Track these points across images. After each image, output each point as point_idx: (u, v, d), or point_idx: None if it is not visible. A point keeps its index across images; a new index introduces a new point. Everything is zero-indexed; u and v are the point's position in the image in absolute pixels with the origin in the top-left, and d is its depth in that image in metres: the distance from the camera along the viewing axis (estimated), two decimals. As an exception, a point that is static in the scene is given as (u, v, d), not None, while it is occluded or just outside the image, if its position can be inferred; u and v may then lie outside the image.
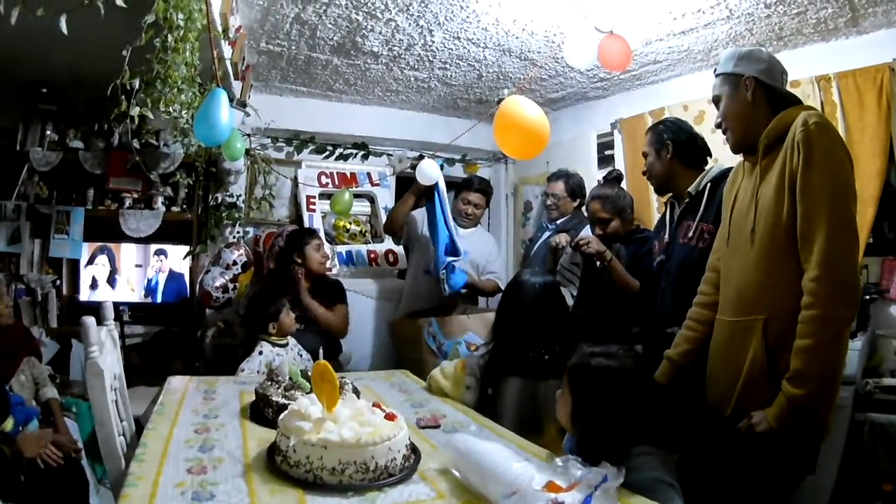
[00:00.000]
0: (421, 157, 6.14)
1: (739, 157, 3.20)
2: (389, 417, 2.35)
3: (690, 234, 3.62)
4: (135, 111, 3.56)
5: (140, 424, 3.39)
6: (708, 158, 3.84)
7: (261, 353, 4.31)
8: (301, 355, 4.54)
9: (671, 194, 3.93)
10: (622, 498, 1.95)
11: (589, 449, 2.14)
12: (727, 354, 2.98)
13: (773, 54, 3.01)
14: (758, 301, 2.82)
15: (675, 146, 3.77)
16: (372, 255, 6.92)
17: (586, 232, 5.01)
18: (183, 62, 3.62)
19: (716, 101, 3.12)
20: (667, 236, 3.84)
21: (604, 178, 5.32)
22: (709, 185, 3.62)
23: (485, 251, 6.11)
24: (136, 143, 5.44)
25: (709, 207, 3.57)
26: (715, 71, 3.13)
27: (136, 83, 3.49)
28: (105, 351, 2.91)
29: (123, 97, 3.46)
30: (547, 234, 5.53)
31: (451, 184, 6.31)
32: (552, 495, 1.73)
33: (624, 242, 4.70)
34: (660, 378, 3.32)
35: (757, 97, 2.92)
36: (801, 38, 4.68)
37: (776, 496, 2.84)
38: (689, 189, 3.71)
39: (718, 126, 3.13)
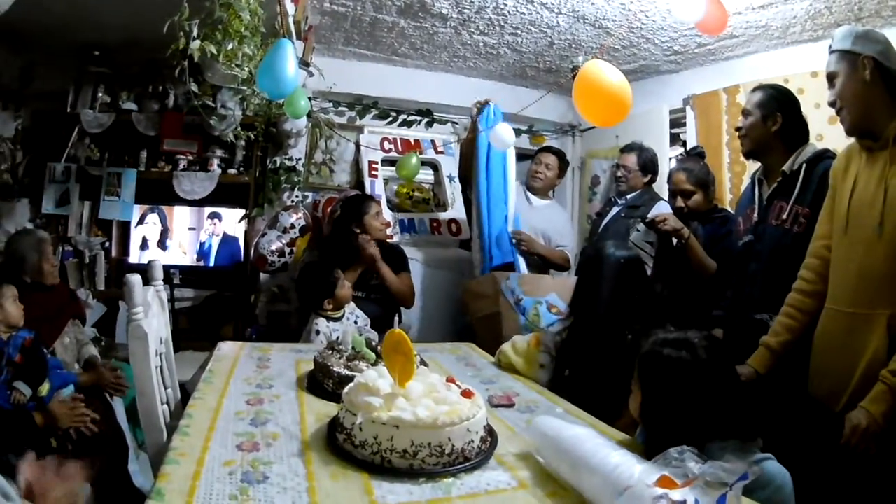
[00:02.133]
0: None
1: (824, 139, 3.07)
2: (466, 394, 2.17)
3: (784, 216, 3.45)
4: (195, 45, 3.42)
5: (186, 391, 3.28)
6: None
7: (318, 332, 4.19)
8: (356, 323, 4.42)
9: (759, 171, 3.76)
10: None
11: (660, 445, 1.91)
12: (842, 348, 2.83)
13: (887, 37, 2.86)
14: (883, 295, 2.67)
15: (785, 121, 3.56)
16: (434, 224, 6.76)
17: (659, 209, 4.93)
18: (247, 7, 3.47)
19: (830, 78, 2.96)
20: (755, 216, 3.66)
21: (687, 152, 5.27)
22: (804, 165, 3.43)
23: (558, 224, 6.02)
24: (194, 102, 5.28)
25: (805, 190, 3.40)
26: (830, 47, 2.97)
27: (195, 28, 3.34)
28: (151, 313, 2.76)
29: (182, 35, 3.31)
30: (616, 209, 5.44)
31: (526, 155, 6.21)
32: (665, 491, 1.50)
33: (702, 221, 4.61)
34: (757, 366, 3.17)
35: (874, 78, 2.78)
36: (879, 21, 4.54)
37: (883, 497, 2.66)
38: (783, 168, 3.52)
39: (832, 105, 2.97)
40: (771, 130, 3.55)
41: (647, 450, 2.02)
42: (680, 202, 4.64)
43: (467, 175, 6.11)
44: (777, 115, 3.54)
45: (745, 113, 3.69)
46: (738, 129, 3.75)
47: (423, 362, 2.88)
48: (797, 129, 3.56)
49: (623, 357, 2.77)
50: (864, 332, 2.69)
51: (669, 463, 1.67)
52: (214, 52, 3.65)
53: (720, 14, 3.72)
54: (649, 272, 4.55)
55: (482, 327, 5.31)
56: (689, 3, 3.68)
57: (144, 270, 3.15)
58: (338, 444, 2.06)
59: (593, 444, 1.89)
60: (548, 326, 4.14)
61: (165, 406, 2.82)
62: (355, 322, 4.41)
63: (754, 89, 3.74)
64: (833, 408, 2.77)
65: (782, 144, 3.55)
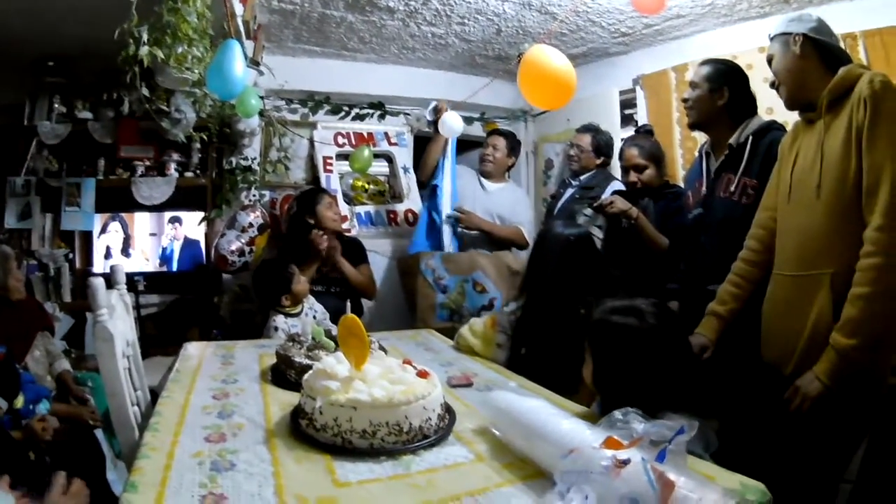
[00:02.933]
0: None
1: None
2: (422, 374, 2.25)
3: (732, 188, 3.54)
4: (143, 51, 3.47)
5: (156, 395, 3.27)
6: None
7: (276, 329, 4.24)
8: (314, 318, 4.45)
9: (707, 144, 3.84)
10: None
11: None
12: (788, 311, 2.93)
13: (821, 18, 2.99)
14: (824, 255, 2.77)
15: (732, 95, 3.63)
16: (391, 216, 6.82)
17: (613, 188, 5.04)
18: (194, 10, 3.52)
19: (769, 60, 3.10)
20: (704, 188, 3.74)
21: (636, 130, 5.39)
22: (751, 137, 3.51)
23: (512, 204, 5.98)
24: (147, 106, 5.31)
25: (752, 162, 3.49)
26: (769, 36, 3.11)
27: (145, 34, 3.40)
28: (116, 315, 2.79)
29: (132, 41, 3.36)
30: (570, 190, 5.49)
31: (479, 143, 6.27)
32: (613, 452, 1.58)
33: (654, 198, 4.69)
34: (707, 333, 3.24)
35: (806, 53, 2.91)
36: None
37: (835, 458, 2.80)
38: (730, 141, 3.59)
39: (772, 85, 3.10)
40: (717, 104, 3.62)
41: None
42: (633, 177, 4.72)
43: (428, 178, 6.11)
44: (724, 90, 3.60)
45: (693, 85, 3.75)
46: (684, 100, 3.81)
47: (381, 348, 2.97)
48: (744, 103, 3.62)
49: (576, 332, 2.86)
50: (808, 293, 2.78)
51: (614, 425, 1.74)
52: (163, 56, 3.69)
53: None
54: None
55: (409, 303, 5.49)
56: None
57: (108, 277, 3.20)
58: (301, 430, 2.12)
59: (545, 414, 1.96)
60: (474, 306, 4.18)
61: (136, 408, 2.85)
62: (314, 317, 4.44)
63: (702, 62, 3.79)
64: (783, 370, 2.85)
65: (728, 118, 3.62)
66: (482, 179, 5.98)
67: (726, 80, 3.63)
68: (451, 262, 5.28)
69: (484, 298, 4.06)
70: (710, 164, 3.74)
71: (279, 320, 4.27)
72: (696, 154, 4.00)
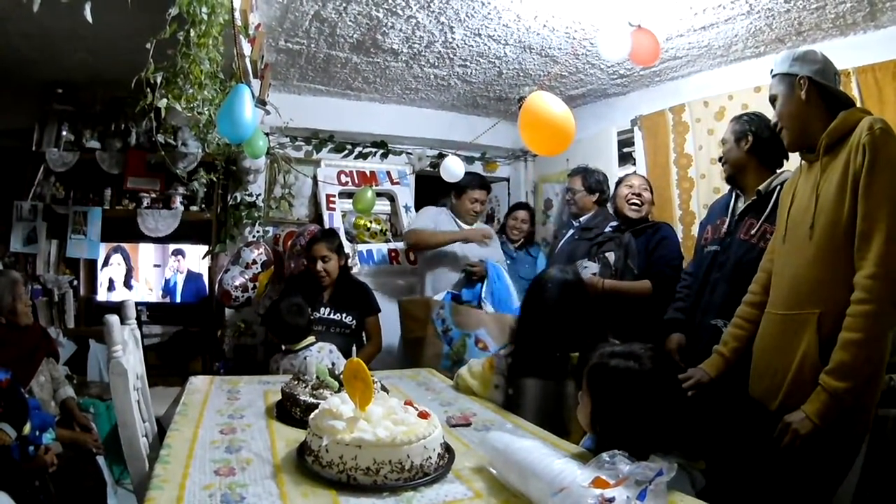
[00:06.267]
0: (441, 156, 6.15)
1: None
2: (423, 415, 2.32)
3: (753, 231, 3.66)
4: (162, 103, 3.53)
5: (160, 425, 3.35)
6: (784, 162, 3.83)
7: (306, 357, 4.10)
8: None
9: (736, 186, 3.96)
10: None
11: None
12: (776, 348, 2.97)
13: (826, 56, 3.00)
14: (813, 296, 2.82)
15: (756, 139, 3.76)
16: (392, 254, 6.88)
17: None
18: (207, 56, 3.58)
19: (772, 100, 3.14)
20: (725, 227, 3.86)
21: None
22: (778, 187, 3.59)
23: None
24: (160, 138, 5.35)
25: (775, 209, 3.53)
26: (771, 71, 3.14)
27: (160, 77, 3.45)
28: (128, 351, 2.85)
29: (149, 90, 3.42)
30: (570, 231, 5.56)
31: (451, 185, 6.20)
32: (600, 491, 1.68)
33: (634, 234, 4.82)
34: (709, 370, 3.31)
35: (811, 97, 2.93)
36: (819, 33, 4.69)
37: (820, 490, 2.83)
38: (758, 188, 3.71)
39: (775, 126, 3.16)
40: (744, 151, 3.77)
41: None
42: (635, 211, 4.89)
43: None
44: (748, 136, 3.75)
45: (723, 141, 3.94)
46: (719, 159, 3.98)
47: (383, 388, 2.99)
48: (771, 148, 3.72)
49: (564, 376, 2.96)
50: (796, 332, 2.83)
51: (602, 466, 1.83)
52: (179, 107, 3.71)
53: (650, 44, 3.90)
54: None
55: (409, 348, 5.48)
56: (614, 42, 3.86)
57: (114, 308, 3.24)
58: (307, 466, 2.18)
59: (539, 453, 2.04)
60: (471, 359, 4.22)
61: (145, 439, 2.90)
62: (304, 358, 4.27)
63: (732, 119, 3.97)
64: (769, 406, 2.91)
65: (758, 164, 3.76)
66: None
67: (750, 126, 3.77)
68: (459, 315, 5.26)
69: (485, 356, 4.07)
70: (738, 205, 3.86)
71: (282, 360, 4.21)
72: (728, 192, 4.09)
